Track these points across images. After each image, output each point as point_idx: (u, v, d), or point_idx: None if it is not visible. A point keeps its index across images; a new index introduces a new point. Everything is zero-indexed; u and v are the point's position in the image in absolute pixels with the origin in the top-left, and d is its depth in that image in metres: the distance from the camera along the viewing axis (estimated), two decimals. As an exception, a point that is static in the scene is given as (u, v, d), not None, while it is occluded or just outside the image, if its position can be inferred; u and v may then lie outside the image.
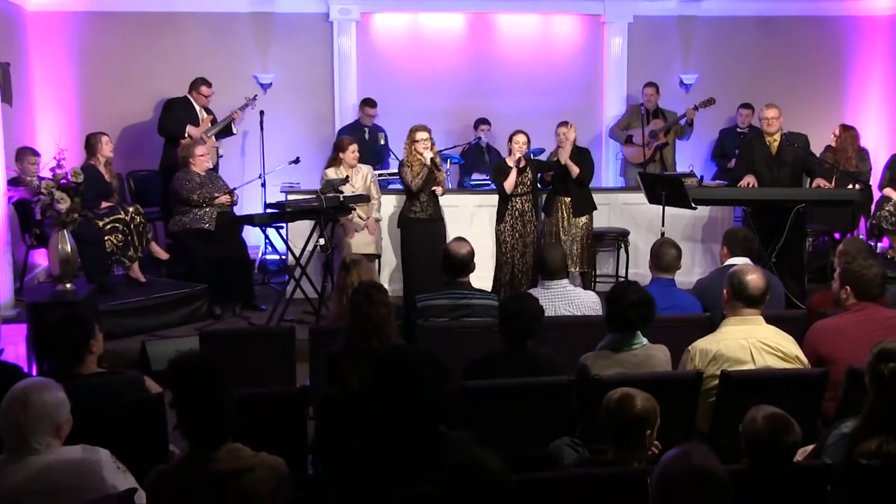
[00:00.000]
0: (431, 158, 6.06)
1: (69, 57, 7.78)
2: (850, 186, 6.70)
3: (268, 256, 7.32)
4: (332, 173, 6.31)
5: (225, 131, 7.31)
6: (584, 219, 6.41)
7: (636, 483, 2.39)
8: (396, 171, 6.59)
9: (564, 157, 6.24)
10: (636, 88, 8.15)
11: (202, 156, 6.37)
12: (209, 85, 7.23)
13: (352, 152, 6.40)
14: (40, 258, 6.76)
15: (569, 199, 6.37)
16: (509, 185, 6.21)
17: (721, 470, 1.99)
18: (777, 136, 6.36)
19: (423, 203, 6.21)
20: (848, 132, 7.28)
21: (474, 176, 7.41)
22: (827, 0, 8.44)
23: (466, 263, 4.31)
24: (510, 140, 6.27)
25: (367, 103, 7.75)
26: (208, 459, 2.34)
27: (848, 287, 3.66)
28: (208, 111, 7.28)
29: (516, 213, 6.29)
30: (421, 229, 6.20)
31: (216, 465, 2.33)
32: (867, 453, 2.50)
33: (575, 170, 6.21)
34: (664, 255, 4.38)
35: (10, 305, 5.66)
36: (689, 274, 6.02)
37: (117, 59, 7.79)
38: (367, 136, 7.71)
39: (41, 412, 2.42)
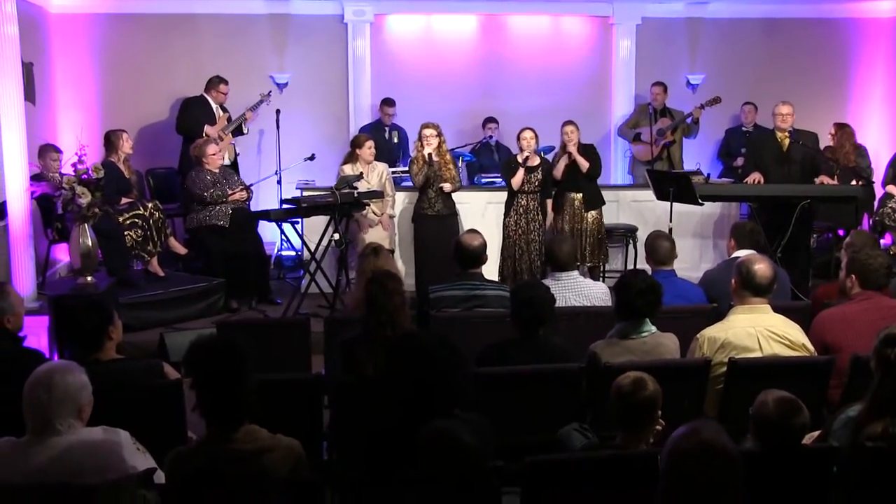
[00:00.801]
0: (429, 154, 6.12)
1: (90, 57, 7.89)
2: (854, 182, 6.70)
3: (283, 252, 7.35)
4: (348, 169, 6.36)
5: (237, 131, 7.34)
6: (593, 213, 6.47)
7: (645, 465, 2.41)
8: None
9: (573, 153, 6.33)
10: (644, 88, 8.18)
11: (214, 154, 6.43)
12: (226, 83, 7.29)
13: (368, 149, 6.43)
14: (62, 253, 6.81)
15: (580, 195, 6.44)
16: (516, 181, 6.28)
17: (731, 446, 1.97)
18: (787, 134, 6.37)
19: (432, 199, 6.28)
20: (843, 129, 7.25)
21: (477, 178, 7.44)
22: (830, 3, 8.45)
23: (479, 255, 4.33)
24: (518, 137, 6.35)
25: (387, 102, 7.85)
26: (227, 440, 2.35)
27: (854, 276, 3.70)
28: (224, 109, 7.33)
29: (521, 209, 6.35)
30: (433, 225, 6.26)
31: (235, 446, 2.34)
32: (873, 436, 2.52)
33: (584, 164, 6.30)
34: (659, 248, 4.40)
35: (33, 298, 5.67)
36: (696, 269, 6.10)
37: (137, 59, 7.89)
38: (387, 134, 7.81)
39: (64, 394, 2.43)
